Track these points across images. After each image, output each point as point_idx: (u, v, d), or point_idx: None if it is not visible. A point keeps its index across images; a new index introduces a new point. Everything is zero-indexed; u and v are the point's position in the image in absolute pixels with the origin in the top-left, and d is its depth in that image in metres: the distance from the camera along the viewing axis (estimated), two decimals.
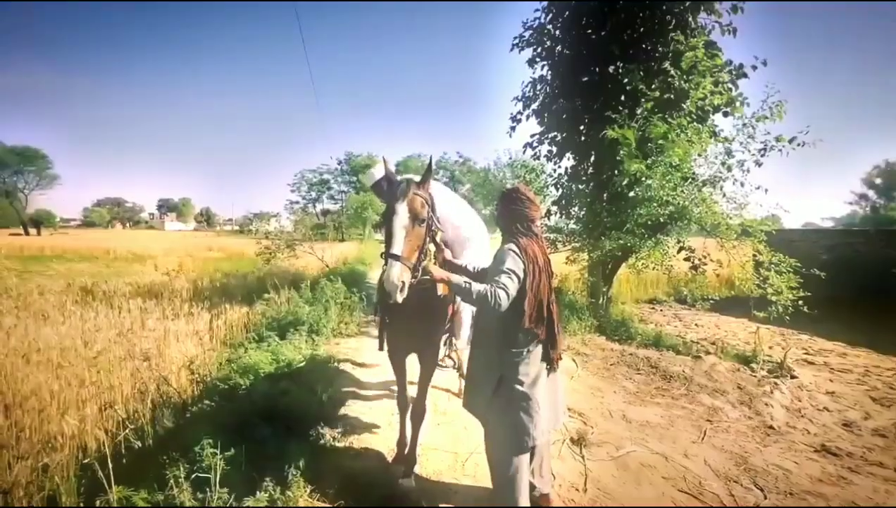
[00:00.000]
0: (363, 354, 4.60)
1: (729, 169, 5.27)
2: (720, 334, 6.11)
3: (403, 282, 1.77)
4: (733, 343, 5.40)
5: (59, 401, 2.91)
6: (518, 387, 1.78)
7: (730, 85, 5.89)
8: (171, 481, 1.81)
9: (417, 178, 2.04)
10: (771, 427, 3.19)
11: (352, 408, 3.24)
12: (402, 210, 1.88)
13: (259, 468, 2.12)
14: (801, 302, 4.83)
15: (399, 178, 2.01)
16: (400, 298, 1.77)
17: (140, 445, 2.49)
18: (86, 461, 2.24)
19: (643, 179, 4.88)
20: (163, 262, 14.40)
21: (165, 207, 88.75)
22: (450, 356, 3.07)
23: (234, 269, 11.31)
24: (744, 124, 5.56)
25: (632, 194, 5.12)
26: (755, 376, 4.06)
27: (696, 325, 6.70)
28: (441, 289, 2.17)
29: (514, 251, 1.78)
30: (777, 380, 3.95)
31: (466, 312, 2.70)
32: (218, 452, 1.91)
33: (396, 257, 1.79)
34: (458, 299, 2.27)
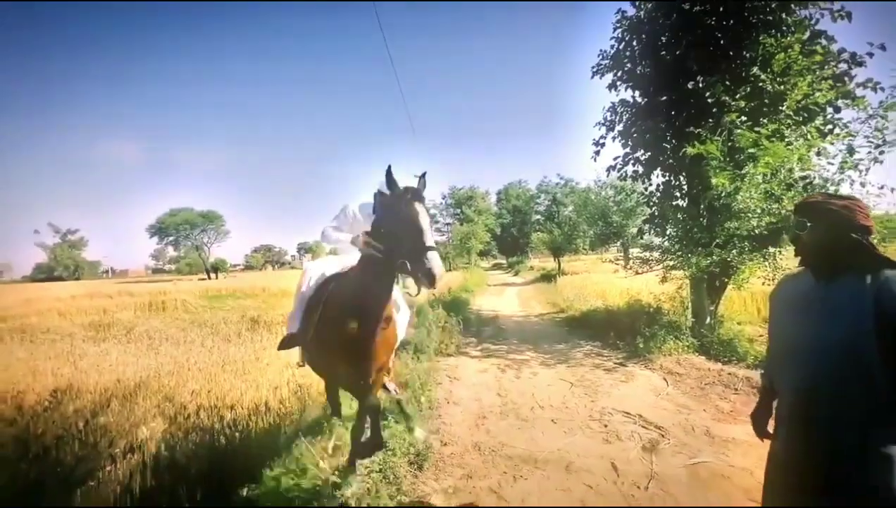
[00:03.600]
0: (459, 370, 5.23)
1: (842, 170, 4.75)
2: None
3: None
4: None
5: (245, 398, 4.10)
6: None
7: (843, 77, 5.34)
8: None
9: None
10: None
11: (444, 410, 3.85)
12: (423, 208, 1.91)
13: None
14: None
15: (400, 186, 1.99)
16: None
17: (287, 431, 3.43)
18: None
19: (732, 191, 4.71)
20: None
21: (304, 249, 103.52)
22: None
23: None
24: (869, 116, 4.99)
25: (721, 206, 4.94)
26: None
27: None
28: None
29: None
30: None
31: None
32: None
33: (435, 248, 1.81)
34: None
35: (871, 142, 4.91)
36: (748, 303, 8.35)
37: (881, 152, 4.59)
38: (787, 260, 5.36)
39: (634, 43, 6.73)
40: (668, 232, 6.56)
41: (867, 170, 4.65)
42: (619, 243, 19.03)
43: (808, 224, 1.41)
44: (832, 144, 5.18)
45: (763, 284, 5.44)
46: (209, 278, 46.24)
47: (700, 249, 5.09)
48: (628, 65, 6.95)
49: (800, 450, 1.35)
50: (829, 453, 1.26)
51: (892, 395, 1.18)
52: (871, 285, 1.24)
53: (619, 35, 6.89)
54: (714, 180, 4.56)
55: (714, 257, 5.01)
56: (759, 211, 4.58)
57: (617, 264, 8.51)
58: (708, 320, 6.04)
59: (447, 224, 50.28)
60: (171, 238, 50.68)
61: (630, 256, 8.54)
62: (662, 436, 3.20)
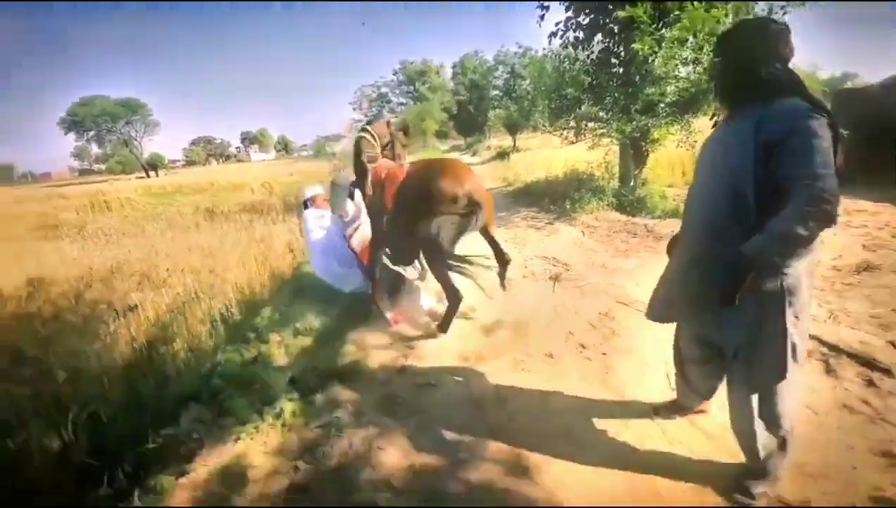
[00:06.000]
0: None
1: None
2: None
3: None
4: None
5: (216, 276, 4.59)
6: None
7: None
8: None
9: None
10: None
11: None
12: None
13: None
14: None
15: None
16: None
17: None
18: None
19: (651, 56, 5.01)
20: (256, 188, 16.87)
21: (248, 139, 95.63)
22: None
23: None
24: None
25: (644, 72, 5.29)
26: None
27: None
28: None
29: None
30: None
31: None
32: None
33: None
34: None
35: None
36: (675, 168, 9.27)
37: (784, 14, 4.93)
38: (702, 125, 5.98)
39: None
40: (605, 101, 6.91)
41: None
42: (571, 117, 19.17)
43: (717, 59, 1.42)
44: (753, 7, 5.40)
45: (677, 146, 6.13)
46: (147, 175, 43.00)
47: (623, 115, 5.56)
48: None
49: (685, 260, 1.55)
50: (706, 259, 1.41)
51: (760, 217, 1.26)
52: (757, 117, 1.25)
53: None
54: (636, 45, 4.81)
55: (635, 124, 5.52)
56: (673, 76, 4.97)
57: (560, 137, 8.95)
58: (632, 183, 6.84)
59: (400, 104, 47.37)
60: (91, 133, 45.13)
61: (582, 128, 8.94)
62: (567, 270, 4.07)
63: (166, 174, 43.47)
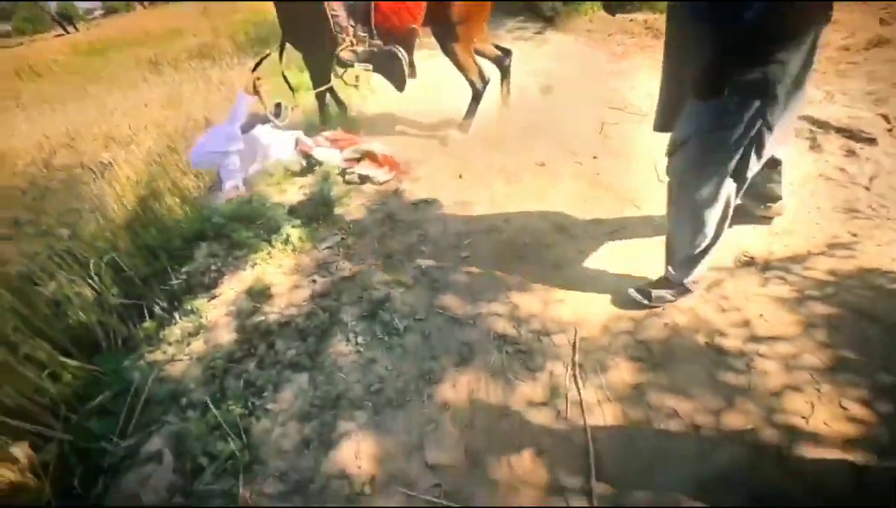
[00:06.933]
0: None
1: None
2: None
3: None
4: None
5: (184, 126, 4.27)
6: None
7: None
8: None
9: None
10: None
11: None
12: None
13: None
14: None
15: None
16: None
17: None
18: None
19: None
20: (198, 31, 14.48)
21: None
22: None
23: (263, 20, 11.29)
24: None
25: None
26: None
27: None
28: None
29: None
30: None
31: None
32: None
33: None
34: None
35: None
36: None
37: None
38: None
39: None
40: None
41: None
42: None
43: None
44: None
45: None
46: (66, 31, 36.26)
47: None
48: None
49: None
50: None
51: None
52: None
53: None
54: None
55: None
56: None
57: None
58: None
59: None
60: None
61: None
62: (558, 81, 3.79)
63: (88, 28, 36.44)
